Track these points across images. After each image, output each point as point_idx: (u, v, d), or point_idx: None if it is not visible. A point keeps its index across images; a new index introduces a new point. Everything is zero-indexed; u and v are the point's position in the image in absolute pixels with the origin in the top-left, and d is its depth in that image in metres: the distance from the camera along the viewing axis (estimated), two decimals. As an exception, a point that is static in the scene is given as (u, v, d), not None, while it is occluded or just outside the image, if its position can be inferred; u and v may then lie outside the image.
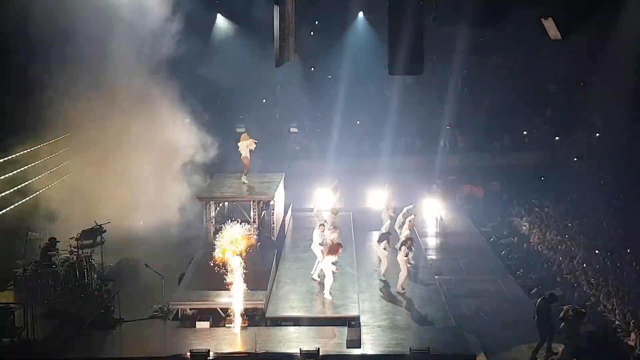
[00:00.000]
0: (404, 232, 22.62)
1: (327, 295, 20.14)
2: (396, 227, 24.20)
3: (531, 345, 17.23)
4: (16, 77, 21.88)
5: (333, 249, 20.42)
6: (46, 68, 22.60)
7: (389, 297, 20.93)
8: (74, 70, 23.47)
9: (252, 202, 23.46)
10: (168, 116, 25.61)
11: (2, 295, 19.46)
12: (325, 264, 20.43)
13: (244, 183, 24.56)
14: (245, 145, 24.16)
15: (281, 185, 25.77)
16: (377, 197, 28.36)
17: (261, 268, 21.17)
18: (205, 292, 19.59)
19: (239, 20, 36.72)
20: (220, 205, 24.43)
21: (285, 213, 27.02)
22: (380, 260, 22.24)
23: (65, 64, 23.01)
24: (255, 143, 24.31)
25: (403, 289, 20.93)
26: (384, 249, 21.95)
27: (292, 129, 35.89)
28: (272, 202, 23.92)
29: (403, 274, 20.94)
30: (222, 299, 19.14)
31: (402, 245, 21.19)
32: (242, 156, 24.29)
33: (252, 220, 23.16)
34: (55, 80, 23.02)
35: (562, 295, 21.00)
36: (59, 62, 22.82)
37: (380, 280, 21.82)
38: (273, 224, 24.35)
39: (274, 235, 24.44)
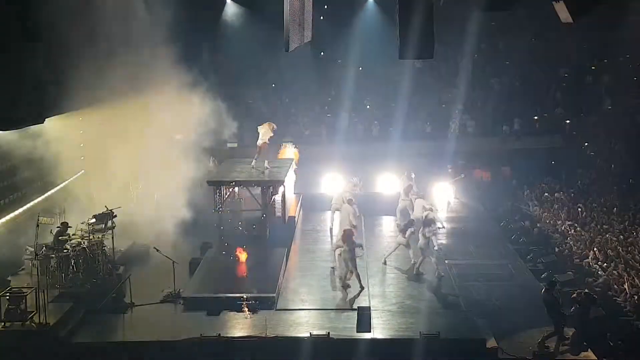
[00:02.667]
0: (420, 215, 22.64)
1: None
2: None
3: (541, 330, 17.20)
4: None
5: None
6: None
7: (399, 281, 21.01)
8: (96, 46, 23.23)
9: (262, 186, 23.46)
10: (177, 100, 25.52)
11: (14, 279, 19.60)
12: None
13: (253, 167, 24.56)
14: (265, 133, 24.13)
15: (291, 170, 25.77)
16: (387, 182, 28.42)
17: (272, 268, 21.19)
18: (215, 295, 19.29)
19: (249, 4, 36.65)
20: (230, 190, 24.39)
21: (296, 204, 27.01)
22: (396, 247, 22.25)
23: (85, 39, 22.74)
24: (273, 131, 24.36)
25: (420, 271, 21.05)
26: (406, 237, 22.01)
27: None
28: (282, 187, 23.91)
29: (420, 258, 21.10)
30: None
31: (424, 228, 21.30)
32: (261, 142, 24.22)
33: (262, 205, 23.20)
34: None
35: (573, 279, 20.99)
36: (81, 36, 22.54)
37: (385, 264, 22.03)
38: (283, 208, 24.38)
39: (284, 221, 24.48)
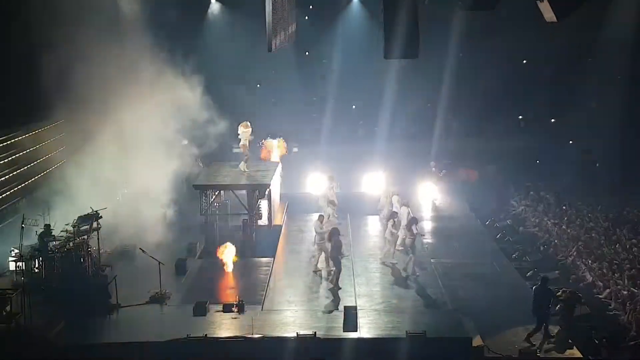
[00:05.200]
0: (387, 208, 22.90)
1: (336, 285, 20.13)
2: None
3: (527, 328, 17.27)
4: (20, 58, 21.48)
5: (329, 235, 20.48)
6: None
7: (385, 281, 21.03)
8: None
9: (248, 190, 23.38)
10: (161, 102, 25.39)
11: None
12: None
13: (244, 171, 24.40)
14: (245, 133, 24.08)
15: (277, 172, 25.68)
16: (373, 182, 28.41)
17: (258, 280, 21.04)
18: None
19: (233, 5, 36.57)
20: (217, 193, 24.26)
21: (283, 210, 26.90)
22: (388, 242, 22.22)
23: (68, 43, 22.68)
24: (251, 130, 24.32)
25: (405, 270, 21.12)
26: (391, 230, 21.97)
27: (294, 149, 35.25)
28: (268, 191, 23.81)
29: (389, 249, 21.12)
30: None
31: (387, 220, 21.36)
32: (241, 143, 24.21)
33: (247, 208, 23.10)
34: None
35: (558, 277, 21.08)
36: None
37: (386, 264, 21.98)
38: (269, 211, 24.28)
39: (270, 224, 24.37)
